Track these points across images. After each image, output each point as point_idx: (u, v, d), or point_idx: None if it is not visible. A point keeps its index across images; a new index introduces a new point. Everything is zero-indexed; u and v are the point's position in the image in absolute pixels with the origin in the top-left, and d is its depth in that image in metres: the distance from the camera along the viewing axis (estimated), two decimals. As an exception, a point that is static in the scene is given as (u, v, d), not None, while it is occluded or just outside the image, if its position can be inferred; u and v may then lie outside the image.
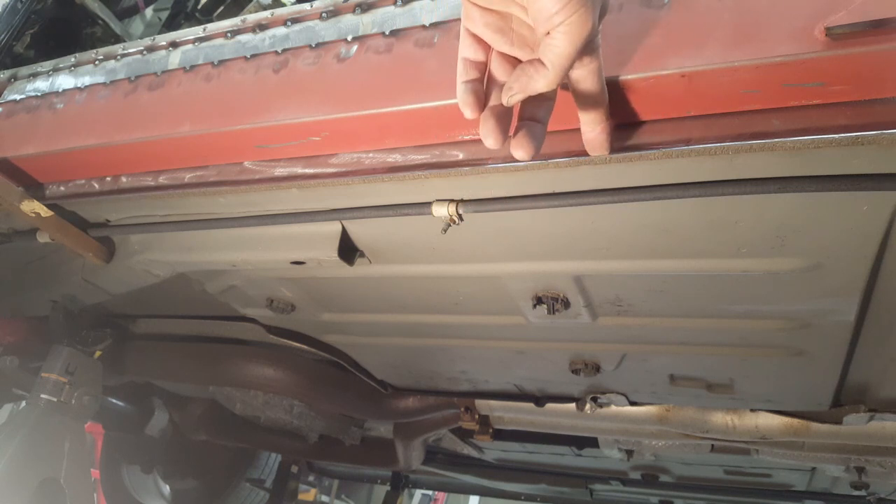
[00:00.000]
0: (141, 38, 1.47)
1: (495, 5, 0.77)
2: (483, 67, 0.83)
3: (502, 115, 0.81)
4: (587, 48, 0.75)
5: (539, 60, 0.75)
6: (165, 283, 1.75)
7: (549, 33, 0.72)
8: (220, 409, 2.79)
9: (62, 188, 1.48)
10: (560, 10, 0.69)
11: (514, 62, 0.82)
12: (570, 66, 0.75)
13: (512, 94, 0.78)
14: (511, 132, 0.83)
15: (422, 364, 2.05)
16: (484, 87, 0.83)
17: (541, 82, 0.76)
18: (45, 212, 1.50)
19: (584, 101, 0.85)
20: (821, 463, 2.17)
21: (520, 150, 0.81)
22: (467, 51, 0.83)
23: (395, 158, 1.13)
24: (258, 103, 1.16)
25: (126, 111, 1.31)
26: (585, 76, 0.81)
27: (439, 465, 3.33)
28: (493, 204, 1.16)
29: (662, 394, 1.90)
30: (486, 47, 0.82)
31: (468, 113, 0.82)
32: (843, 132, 0.84)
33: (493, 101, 0.82)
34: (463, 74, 0.83)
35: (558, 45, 0.72)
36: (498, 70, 0.83)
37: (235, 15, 1.35)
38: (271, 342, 2.02)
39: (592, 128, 0.89)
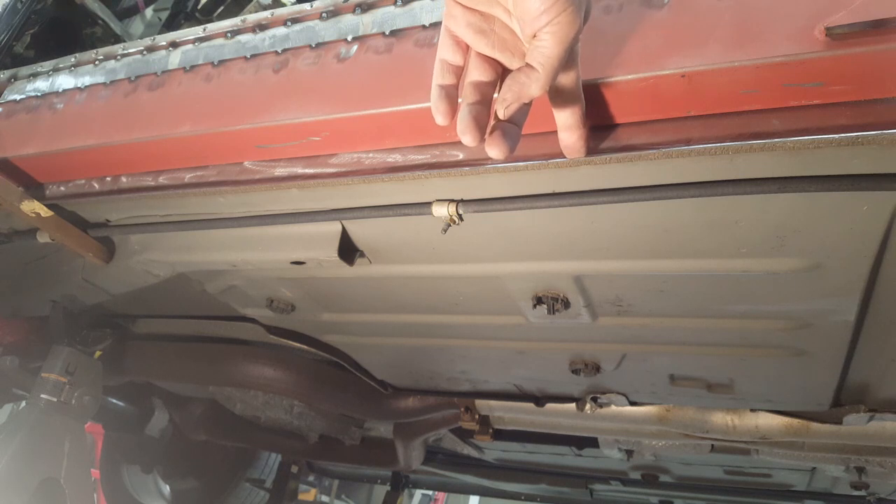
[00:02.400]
0: (141, 38, 1.47)
1: (479, 5, 0.76)
2: (459, 72, 0.82)
3: (480, 113, 0.80)
4: (570, 53, 0.74)
5: (528, 65, 0.74)
6: (165, 283, 1.75)
7: (535, 35, 0.71)
8: (220, 409, 2.79)
9: (62, 188, 1.48)
10: (547, 9, 0.69)
11: (494, 63, 0.81)
12: (560, 68, 0.74)
13: (507, 105, 0.77)
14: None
15: (422, 364, 2.05)
16: (458, 91, 0.82)
17: (534, 87, 0.75)
18: (45, 212, 1.50)
19: (562, 107, 0.85)
20: (821, 463, 2.17)
21: (495, 148, 0.80)
22: (446, 52, 0.82)
23: (395, 158, 1.13)
24: (258, 103, 1.16)
25: (126, 111, 1.31)
26: (564, 85, 0.81)
27: (439, 465, 3.33)
28: (493, 204, 1.16)
29: (662, 394, 1.90)
30: (465, 50, 0.82)
31: (440, 119, 0.81)
32: (843, 132, 0.84)
33: (471, 99, 0.81)
34: (439, 77, 0.82)
35: (546, 45, 0.72)
36: (476, 70, 0.82)
37: (235, 15, 1.35)
38: (271, 342, 2.02)
39: (570, 134, 0.89)
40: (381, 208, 1.26)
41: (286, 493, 3.42)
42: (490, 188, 1.15)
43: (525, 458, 3.07)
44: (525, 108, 0.83)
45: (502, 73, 0.82)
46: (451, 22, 0.80)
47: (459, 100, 0.82)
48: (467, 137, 0.79)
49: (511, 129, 0.82)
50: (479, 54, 0.81)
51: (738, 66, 0.82)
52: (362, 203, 1.28)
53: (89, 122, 1.34)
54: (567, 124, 0.88)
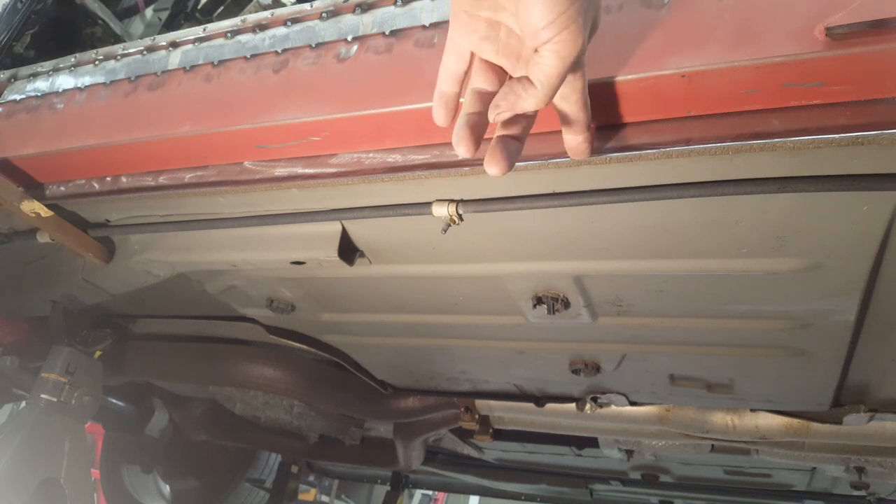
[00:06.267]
0: (141, 38, 1.47)
1: (485, 12, 0.75)
2: (461, 78, 0.82)
3: (477, 124, 0.79)
4: (574, 66, 0.73)
5: (527, 79, 0.74)
6: (165, 283, 1.75)
7: (538, 50, 0.70)
8: (220, 409, 2.79)
9: (62, 188, 1.48)
10: (549, 24, 0.67)
11: (497, 70, 0.80)
12: (560, 85, 0.73)
13: (499, 112, 0.77)
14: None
15: (422, 364, 2.05)
16: (459, 98, 0.83)
17: (529, 101, 0.74)
18: (45, 212, 1.50)
19: (567, 114, 0.85)
20: (821, 463, 2.17)
21: (492, 165, 0.80)
22: (450, 58, 0.81)
23: (395, 158, 1.13)
24: (258, 103, 1.16)
25: (126, 111, 1.31)
26: (569, 94, 0.81)
27: (439, 465, 3.33)
28: (493, 204, 1.16)
29: (662, 394, 1.90)
30: (469, 57, 0.81)
31: (439, 123, 0.83)
32: (843, 132, 0.84)
33: (470, 109, 0.80)
34: (442, 82, 0.82)
35: (547, 63, 0.70)
36: (479, 77, 0.81)
37: (235, 15, 1.35)
38: (271, 342, 2.02)
39: (574, 136, 0.89)
40: (381, 208, 1.26)
41: (286, 493, 3.42)
42: (490, 188, 1.15)
43: (525, 458, 3.07)
44: (528, 121, 0.83)
45: (506, 80, 0.81)
46: (457, 28, 0.79)
47: (463, 99, 0.82)
48: (461, 149, 0.79)
49: (512, 144, 0.81)
50: (484, 60, 0.80)
51: (738, 66, 0.82)
52: (362, 203, 1.28)
53: (89, 122, 1.34)
54: (573, 128, 0.88)
